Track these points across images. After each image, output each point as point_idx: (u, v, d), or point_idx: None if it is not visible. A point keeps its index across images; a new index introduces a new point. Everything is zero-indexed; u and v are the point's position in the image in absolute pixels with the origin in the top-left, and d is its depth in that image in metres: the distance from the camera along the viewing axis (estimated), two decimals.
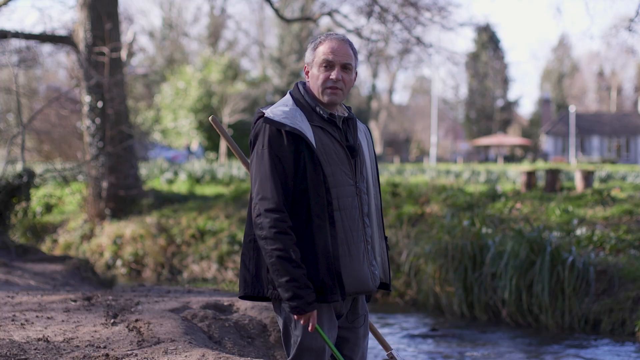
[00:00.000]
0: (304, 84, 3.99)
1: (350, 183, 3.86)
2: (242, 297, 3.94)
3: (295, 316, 3.75)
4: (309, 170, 3.75)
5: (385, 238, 4.10)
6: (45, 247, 19.63)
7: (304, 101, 3.91)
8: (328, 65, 3.86)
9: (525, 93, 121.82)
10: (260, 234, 3.73)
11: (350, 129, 3.97)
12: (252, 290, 3.88)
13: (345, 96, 3.93)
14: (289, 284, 3.68)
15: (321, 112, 3.88)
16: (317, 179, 3.75)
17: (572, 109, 62.48)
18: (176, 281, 16.82)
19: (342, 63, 3.86)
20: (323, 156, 3.80)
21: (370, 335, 4.27)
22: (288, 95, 3.95)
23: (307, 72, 3.96)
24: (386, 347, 4.38)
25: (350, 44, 3.93)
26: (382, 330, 11.41)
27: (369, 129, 4.18)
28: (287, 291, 3.69)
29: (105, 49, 18.02)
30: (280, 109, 3.84)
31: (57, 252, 18.99)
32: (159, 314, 6.61)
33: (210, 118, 4.42)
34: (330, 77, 3.85)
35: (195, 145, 43.58)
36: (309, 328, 3.75)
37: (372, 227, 3.98)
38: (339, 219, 3.81)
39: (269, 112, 3.83)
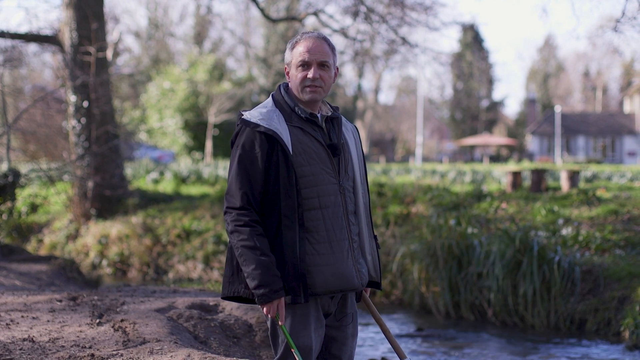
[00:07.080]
0: (286, 85, 4.03)
1: (333, 181, 3.89)
2: (223, 298, 3.98)
3: (263, 308, 3.75)
4: (282, 172, 3.79)
5: (375, 237, 4.12)
6: (30, 247, 19.55)
7: (284, 102, 3.95)
8: (305, 64, 3.89)
9: (511, 93, 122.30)
10: (227, 230, 3.81)
11: (334, 128, 4.00)
12: (229, 290, 3.91)
13: (327, 93, 3.96)
14: (254, 271, 3.70)
15: (300, 112, 3.91)
16: (289, 180, 3.78)
17: (558, 109, 62.74)
18: (162, 281, 16.79)
19: (318, 61, 3.89)
20: (301, 156, 3.83)
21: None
22: (270, 97, 4.00)
23: (287, 73, 4.00)
24: (401, 354, 4.33)
25: (327, 41, 3.95)
26: (368, 331, 11.42)
27: (357, 128, 4.21)
28: (253, 279, 3.72)
29: (91, 49, 17.97)
30: (258, 111, 3.90)
31: (43, 252, 18.93)
32: (145, 314, 6.60)
33: None
34: (308, 76, 3.88)
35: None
36: (279, 322, 3.76)
37: (359, 226, 4.01)
38: (319, 217, 3.83)
39: (247, 114, 3.89)
